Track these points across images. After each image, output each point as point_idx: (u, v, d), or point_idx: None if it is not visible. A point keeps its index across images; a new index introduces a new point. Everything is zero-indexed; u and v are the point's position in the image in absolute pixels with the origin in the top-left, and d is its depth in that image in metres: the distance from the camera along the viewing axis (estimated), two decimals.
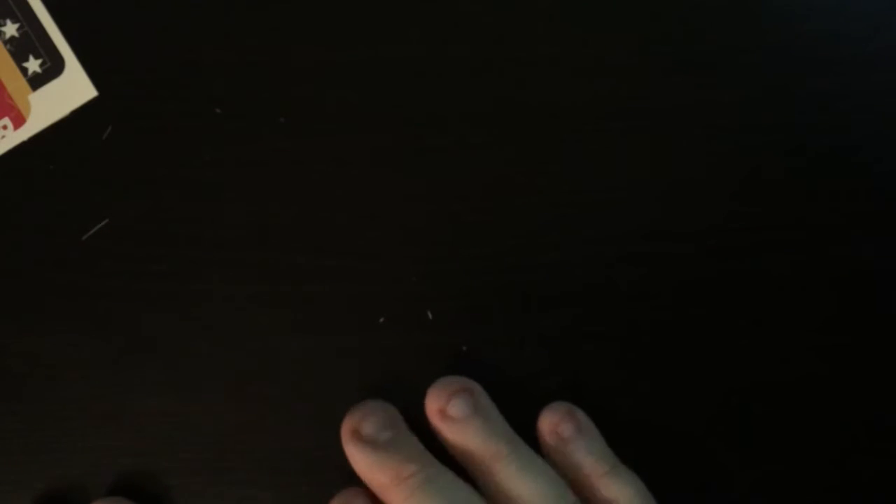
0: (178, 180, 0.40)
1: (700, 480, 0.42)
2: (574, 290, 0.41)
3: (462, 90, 0.41)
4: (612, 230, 0.42)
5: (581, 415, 0.40)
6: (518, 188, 0.41)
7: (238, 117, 0.40)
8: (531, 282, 0.41)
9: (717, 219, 0.42)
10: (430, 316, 0.41)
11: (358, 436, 0.38)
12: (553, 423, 0.40)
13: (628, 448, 0.41)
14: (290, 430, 0.40)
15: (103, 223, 0.40)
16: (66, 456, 0.40)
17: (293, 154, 0.41)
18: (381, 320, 0.41)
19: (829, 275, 0.42)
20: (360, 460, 0.38)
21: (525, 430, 0.41)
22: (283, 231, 0.41)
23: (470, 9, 0.41)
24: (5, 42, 0.39)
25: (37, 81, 0.40)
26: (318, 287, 0.41)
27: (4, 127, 0.40)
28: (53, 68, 0.40)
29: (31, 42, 0.40)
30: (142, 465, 0.40)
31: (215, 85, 0.40)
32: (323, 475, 0.40)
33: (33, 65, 0.40)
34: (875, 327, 0.42)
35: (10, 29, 0.39)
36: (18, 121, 0.40)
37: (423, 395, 0.41)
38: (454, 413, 0.39)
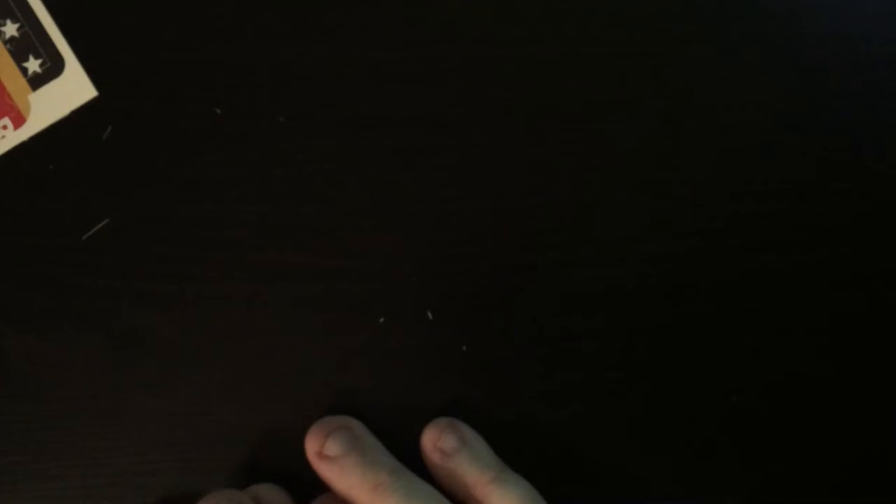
0: (178, 180, 0.40)
1: (702, 480, 0.42)
2: (574, 290, 0.41)
3: (462, 90, 0.41)
4: (613, 230, 0.42)
5: (463, 427, 0.40)
6: (518, 188, 0.41)
7: (238, 117, 0.40)
8: (531, 282, 0.41)
9: (718, 219, 0.42)
10: (430, 316, 0.41)
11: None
12: (433, 438, 0.40)
13: (629, 448, 0.41)
14: (289, 431, 0.40)
15: (103, 223, 0.40)
16: (66, 456, 0.40)
17: (293, 154, 0.41)
18: (381, 320, 0.41)
19: (829, 275, 0.42)
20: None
21: (524, 431, 0.41)
22: (284, 231, 0.41)
23: (470, 9, 0.41)
24: (5, 42, 0.39)
25: (37, 81, 0.40)
26: (318, 287, 0.41)
27: (4, 127, 0.40)
28: (53, 68, 0.40)
29: (31, 42, 0.40)
30: (142, 465, 0.40)
31: (215, 85, 0.40)
32: None
33: (33, 65, 0.40)
34: (876, 327, 0.42)
35: (10, 29, 0.39)
36: (18, 121, 0.40)
37: (422, 396, 0.41)
38: (331, 452, 0.38)
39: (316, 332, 0.41)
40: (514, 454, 0.40)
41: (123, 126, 0.40)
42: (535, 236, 0.41)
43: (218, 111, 0.40)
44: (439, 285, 0.41)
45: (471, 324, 0.41)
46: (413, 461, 0.40)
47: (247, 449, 0.40)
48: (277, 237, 0.41)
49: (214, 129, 0.40)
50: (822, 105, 0.42)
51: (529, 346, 0.41)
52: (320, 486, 0.39)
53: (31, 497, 0.40)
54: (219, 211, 0.40)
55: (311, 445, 0.39)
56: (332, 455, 0.38)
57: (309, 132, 0.41)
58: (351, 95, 0.41)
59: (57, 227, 0.40)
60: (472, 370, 0.41)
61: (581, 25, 0.42)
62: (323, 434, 0.39)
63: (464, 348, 0.41)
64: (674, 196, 0.42)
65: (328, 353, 0.41)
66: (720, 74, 0.42)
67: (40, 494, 0.40)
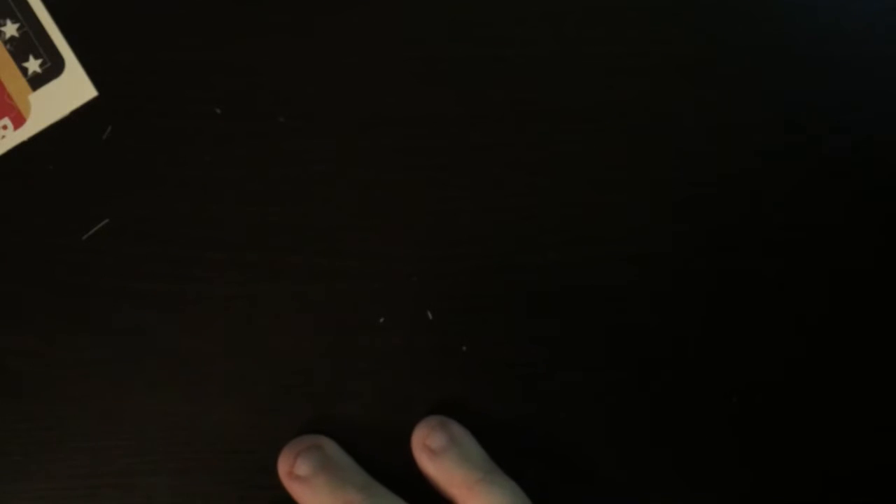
0: (178, 180, 0.40)
1: (703, 479, 0.42)
2: (574, 289, 0.41)
3: (462, 90, 0.41)
4: (612, 230, 0.42)
5: (454, 425, 0.40)
6: (518, 188, 0.41)
7: (238, 117, 0.40)
8: (531, 282, 0.41)
9: (717, 219, 0.42)
10: (430, 316, 0.41)
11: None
12: (422, 436, 0.40)
13: (629, 448, 0.41)
14: (289, 431, 0.40)
15: (103, 223, 0.40)
16: (66, 456, 0.40)
17: (293, 154, 0.41)
18: (381, 320, 0.41)
19: (828, 275, 0.42)
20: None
21: (523, 432, 0.41)
22: (283, 231, 0.41)
23: (470, 9, 0.41)
24: (5, 42, 0.39)
25: (37, 81, 0.40)
26: (318, 287, 0.41)
27: (4, 127, 0.40)
28: (53, 68, 0.40)
29: (31, 42, 0.40)
30: (142, 465, 0.40)
31: (215, 85, 0.40)
32: None
33: (33, 65, 0.40)
34: (875, 327, 0.42)
35: (10, 29, 0.39)
36: (18, 121, 0.40)
37: (422, 396, 0.41)
38: (301, 471, 0.38)
39: (316, 332, 0.41)
40: (513, 454, 0.40)
41: (123, 126, 0.40)
42: (535, 236, 0.41)
43: (218, 111, 0.40)
44: (439, 285, 0.41)
45: (471, 324, 0.41)
46: (411, 462, 0.40)
47: (247, 449, 0.40)
48: (277, 237, 0.41)
49: (214, 129, 0.40)
50: (822, 105, 0.42)
51: (529, 346, 0.41)
52: None
53: (32, 497, 0.40)
54: (219, 211, 0.40)
55: (283, 465, 0.39)
56: (301, 475, 0.38)
57: (309, 132, 0.41)
58: (351, 95, 0.41)
59: (57, 227, 0.40)
60: (471, 370, 0.41)
61: (581, 25, 0.42)
62: (293, 454, 0.39)
63: (464, 348, 0.41)
64: (673, 196, 0.42)
65: (328, 353, 0.41)
66: (720, 74, 0.42)
67: (41, 494, 0.40)
